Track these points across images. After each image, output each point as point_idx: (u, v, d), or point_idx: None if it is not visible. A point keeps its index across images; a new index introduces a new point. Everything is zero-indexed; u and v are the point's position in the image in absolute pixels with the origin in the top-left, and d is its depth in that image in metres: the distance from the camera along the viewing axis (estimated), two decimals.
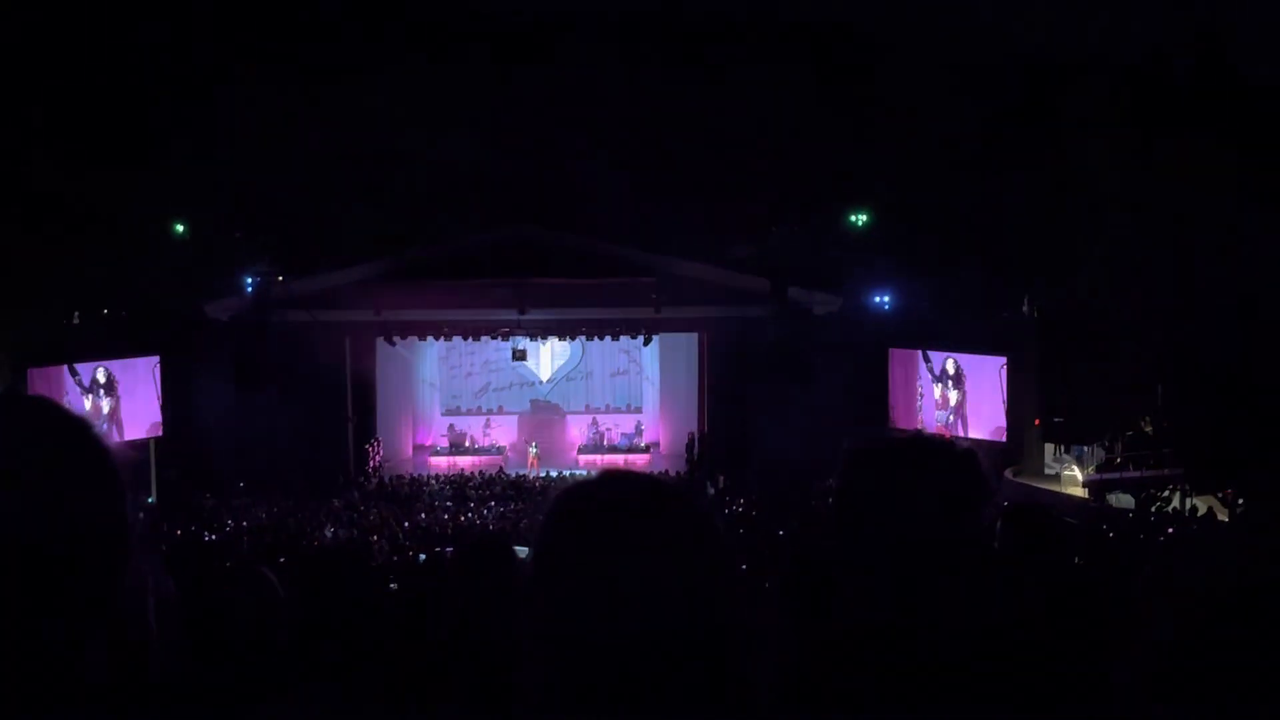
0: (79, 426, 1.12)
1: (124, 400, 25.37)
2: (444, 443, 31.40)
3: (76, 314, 26.90)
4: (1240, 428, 1.80)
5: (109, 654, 1.02)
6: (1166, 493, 22.06)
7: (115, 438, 23.44)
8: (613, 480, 1.40)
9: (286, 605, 2.40)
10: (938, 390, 27.05)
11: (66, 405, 1.16)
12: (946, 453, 1.96)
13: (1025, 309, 26.58)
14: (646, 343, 29.37)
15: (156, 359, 26.20)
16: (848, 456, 1.98)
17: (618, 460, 29.48)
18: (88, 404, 24.07)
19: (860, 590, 1.92)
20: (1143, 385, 23.17)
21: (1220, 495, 20.47)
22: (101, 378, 24.91)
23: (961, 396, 26.53)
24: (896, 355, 27.87)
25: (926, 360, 27.07)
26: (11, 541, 0.98)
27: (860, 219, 27.42)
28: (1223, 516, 19.44)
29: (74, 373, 24.42)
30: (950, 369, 26.71)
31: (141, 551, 1.11)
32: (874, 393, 27.20)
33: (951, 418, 26.70)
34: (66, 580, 1.01)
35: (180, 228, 27.47)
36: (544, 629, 1.27)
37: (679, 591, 1.25)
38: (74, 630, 1.00)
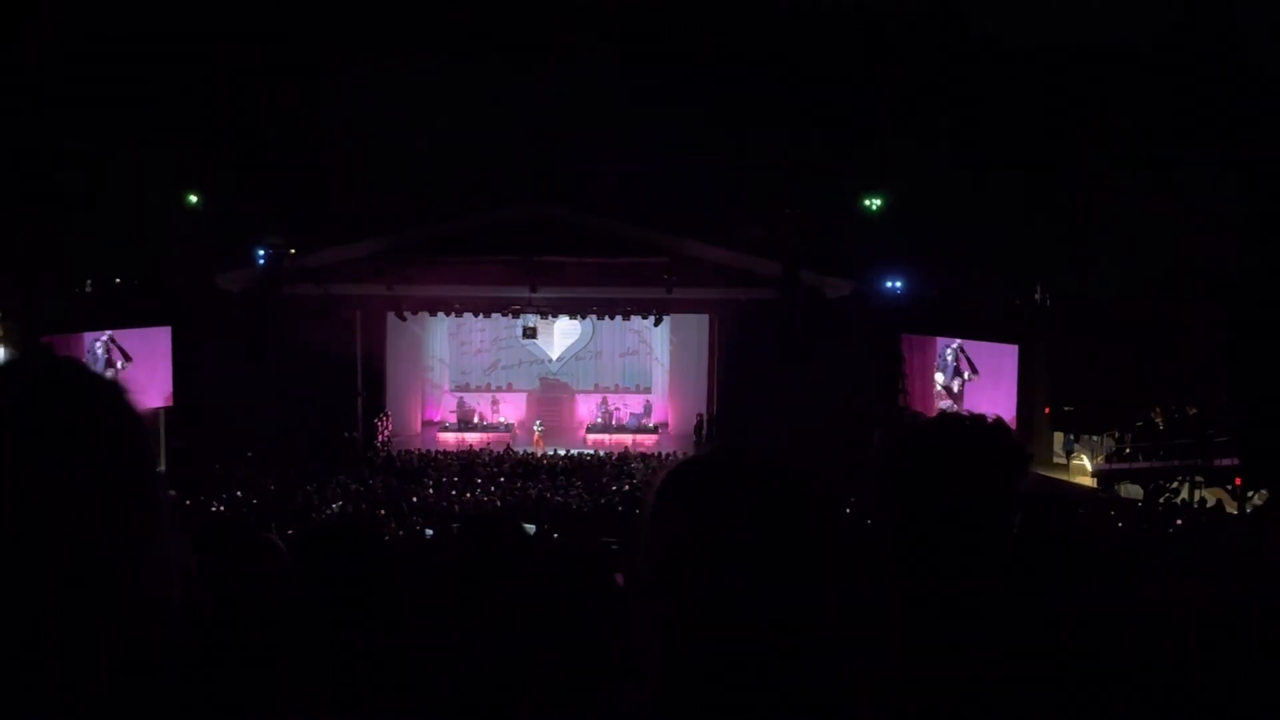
0: (110, 390, 1.09)
1: (139, 369, 25.35)
2: (452, 419, 31.40)
3: (89, 283, 26.94)
4: None
5: (134, 627, 1.01)
6: (1175, 484, 22.00)
7: None
8: (727, 459, 1.29)
9: (295, 575, 2.39)
10: (940, 379, 27.10)
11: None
12: (981, 427, 1.99)
13: (1038, 296, 26.50)
14: (657, 323, 29.35)
15: (169, 329, 26.24)
16: (891, 444, 1.99)
17: (625, 440, 29.50)
18: None
19: (912, 566, 1.93)
20: (1156, 376, 23.09)
21: (1229, 487, 20.43)
22: (100, 349, 24.86)
23: (962, 384, 26.53)
24: (909, 341, 27.81)
25: (940, 357, 27.14)
26: (38, 506, 0.96)
27: (874, 203, 27.30)
28: (1231, 509, 19.39)
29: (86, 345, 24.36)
30: (950, 359, 26.71)
31: (169, 525, 1.09)
32: (884, 378, 27.16)
33: (954, 406, 26.69)
34: (92, 548, 0.99)
35: (193, 198, 27.48)
36: (660, 611, 1.18)
37: (800, 577, 1.18)
38: (98, 602, 0.98)
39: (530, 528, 13.61)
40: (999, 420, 2.06)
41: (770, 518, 1.20)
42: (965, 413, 2.10)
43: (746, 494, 1.21)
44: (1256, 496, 20.33)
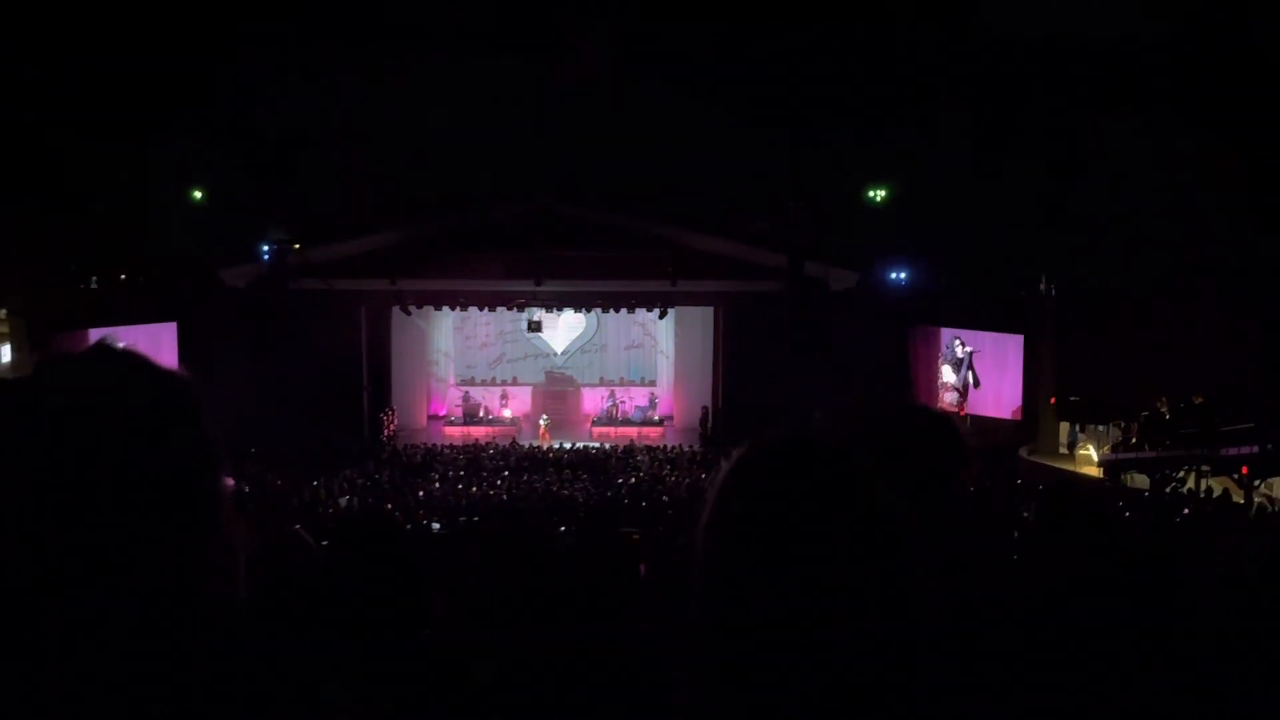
0: (176, 381, 1.10)
1: None
2: (458, 413, 31.41)
3: (94, 279, 26.95)
4: None
5: (201, 614, 1.01)
6: (1182, 473, 21.98)
7: None
8: (805, 443, 1.25)
9: (326, 567, 2.40)
10: (947, 371, 27.20)
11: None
12: (924, 418, 1.94)
13: (1042, 287, 26.48)
14: (662, 316, 29.35)
15: (174, 325, 26.29)
16: (825, 424, 1.93)
17: (631, 433, 29.50)
18: None
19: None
20: (1161, 364, 23.08)
21: (1236, 476, 20.41)
22: None
23: (968, 359, 26.72)
24: (915, 333, 27.86)
25: (949, 347, 27.28)
26: (107, 498, 0.97)
27: (879, 195, 27.28)
28: (1238, 498, 19.38)
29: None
30: (960, 354, 26.81)
31: (234, 512, 1.10)
32: (889, 369, 27.16)
33: (959, 398, 26.85)
34: (160, 538, 1.00)
35: (198, 194, 27.48)
36: (718, 612, 1.14)
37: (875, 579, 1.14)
38: (167, 588, 0.99)
39: None
40: (945, 412, 2.00)
41: (850, 508, 1.17)
42: (913, 403, 2.04)
43: (826, 482, 1.18)
44: (1264, 485, 20.31)
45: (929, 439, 1.92)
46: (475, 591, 2.41)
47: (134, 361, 1.09)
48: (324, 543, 3.03)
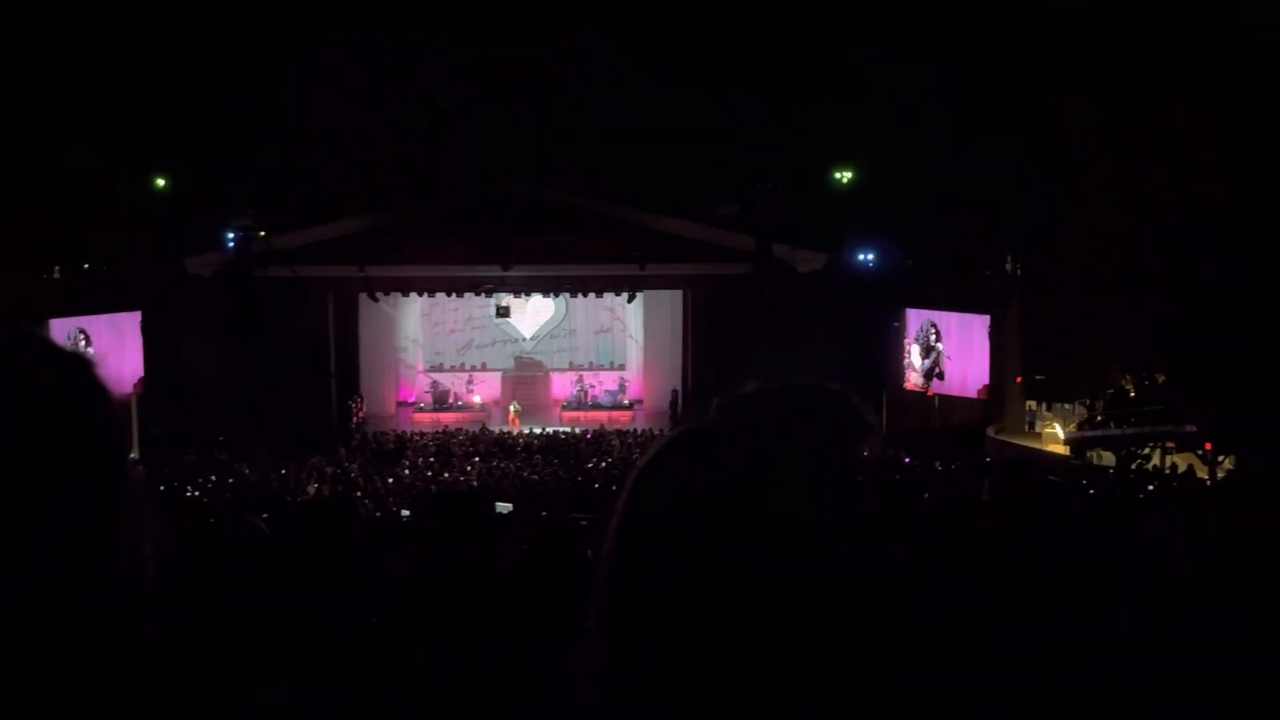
0: (74, 363, 1.08)
1: (109, 356, 25.14)
2: (427, 399, 31.32)
3: (56, 269, 26.66)
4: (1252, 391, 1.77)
5: (105, 611, 1.01)
6: (1147, 450, 22.19)
7: None
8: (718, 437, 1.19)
9: (275, 556, 2.40)
10: (915, 351, 27.33)
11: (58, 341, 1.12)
12: (818, 394, 1.91)
13: (1009, 268, 26.61)
14: (630, 300, 29.33)
15: (139, 314, 26.06)
16: (718, 406, 1.90)
17: (601, 417, 29.48)
18: None
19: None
20: (1126, 344, 23.27)
21: (1200, 453, 20.61)
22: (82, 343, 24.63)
23: (937, 357, 26.84)
24: (884, 314, 27.99)
25: (922, 330, 27.43)
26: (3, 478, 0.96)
27: (845, 177, 27.32)
28: (1202, 474, 19.56)
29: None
30: (932, 338, 26.96)
31: (139, 501, 1.09)
32: (858, 350, 27.25)
33: (925, 380, 27.04)
34: (59, 527, 0.99)
35: (161, 182, 27.21)
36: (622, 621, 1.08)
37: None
38: (67, 586, 0.98)
39: (507, 507, 13.61)
40: (842, 389, 1.96)
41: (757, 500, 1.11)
42: (810, 382, 1.98)
43: (729, 473, 1.13)
44: (1227, 461, 20.51)
45: (825, 417, 1.89)
46: (420, 577, 2.41)
47: (34, 342, 1.08)
48: (281, 531, 3.02)
